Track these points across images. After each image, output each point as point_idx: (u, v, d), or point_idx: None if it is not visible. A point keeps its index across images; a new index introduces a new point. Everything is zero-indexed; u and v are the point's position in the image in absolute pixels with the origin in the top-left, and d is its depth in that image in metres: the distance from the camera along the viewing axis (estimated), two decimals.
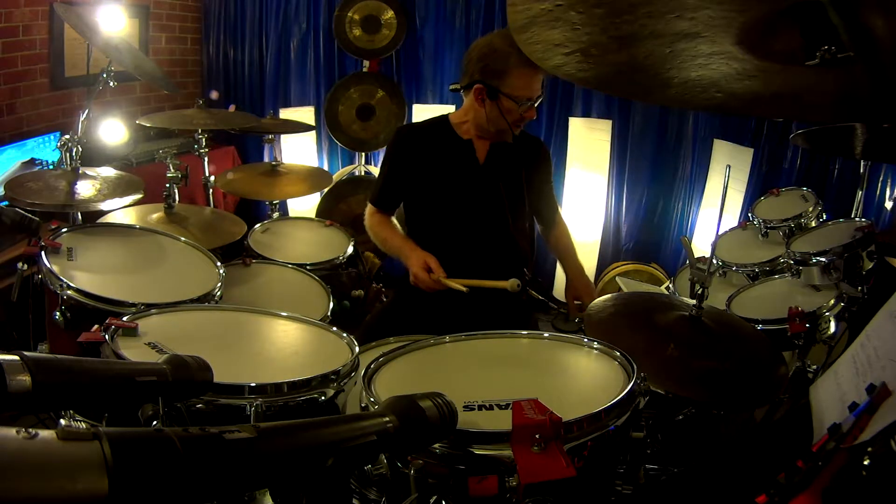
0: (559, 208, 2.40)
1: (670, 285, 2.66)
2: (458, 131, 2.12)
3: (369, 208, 2.21)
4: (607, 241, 3.99)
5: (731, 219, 3.29)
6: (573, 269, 2.26)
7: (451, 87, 2.08)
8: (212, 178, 3.10)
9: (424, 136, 2.14)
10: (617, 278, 3.49)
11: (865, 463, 0.84)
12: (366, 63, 4.24)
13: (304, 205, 4.38)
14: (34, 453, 0.44)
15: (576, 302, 2.15)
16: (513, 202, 2.08)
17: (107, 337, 1.20)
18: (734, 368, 1.47)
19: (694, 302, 1.58)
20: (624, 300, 1.75)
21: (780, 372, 1.50)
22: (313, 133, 4.41)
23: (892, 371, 0.95)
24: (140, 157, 3.62)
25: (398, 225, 2.21)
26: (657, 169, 3.81)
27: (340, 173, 4.34)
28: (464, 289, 1.84)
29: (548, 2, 0.87)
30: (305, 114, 4.35)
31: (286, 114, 4.26)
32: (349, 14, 4.08)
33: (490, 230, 2.10)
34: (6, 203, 2.02)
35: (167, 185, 2.33)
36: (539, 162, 2.23)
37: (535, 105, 1.99)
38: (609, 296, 1.76)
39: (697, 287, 1.62)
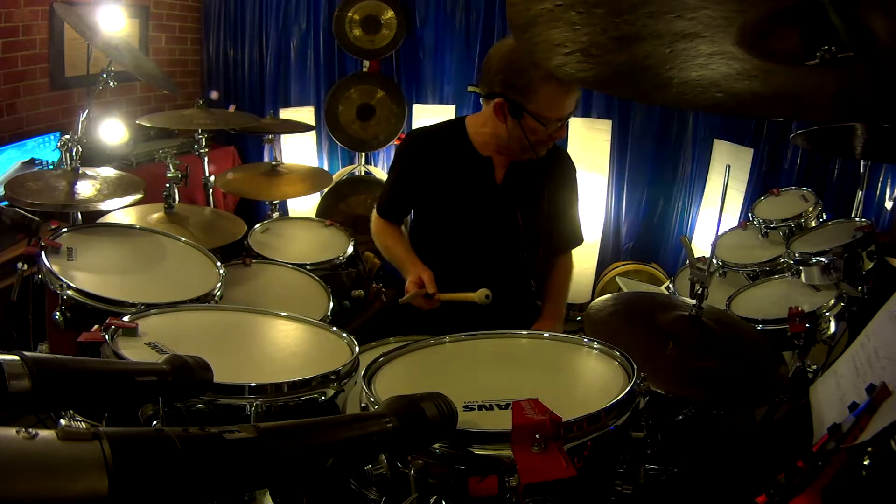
0: (580, 234, 2.07)
1: (670, 285, 2.66)
2: (474, 142, 1.90)
3: (374, 215, 2.08)
4: (607, 241, 3.99)
5: (731, 219, 3.29)
6: (553, 306, 1.97)
7: (469, 88, 1.86)
8: (212, 178, 3.10)
9: (437, 144, 1.93)
10: (617, 278, 3.50)
11: (865, 463, 0.84)
12: (366, 63, 4.25)
13: (304, 205, 4.38)
14: (34, 453, 0.44)
15: None
16: (529, 230, 1.88)
17: (107, 337, 1.20)
18: (734, 368, 1.47)
19: (694, 302, 1.58)
20: (624, 300, 1.75)
21: (780, 372, 1.50)
22: (313, 133, 4.41)
23: (892, 371, 0.95)
24: (140, 157, 3.62)
25: (404, 233, 2.07)
26: (657, 169, 3.82)
27: (340, 173, 4.34)
28: (437, 304, 1.76)
29: (548, 2, 0.86)
30: (305, 114, 4.35)
31: (286, 114, 4.26)
32: (349, 14, 4.08)
33: (501, 257, 1.92)
34: (6, 203, 2.02)
35: (167, 185, 2.33)
36: (563, 177, 1.98)
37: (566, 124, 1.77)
38: (609, 296, 1.76)
39: (697, 287, 1.62)
